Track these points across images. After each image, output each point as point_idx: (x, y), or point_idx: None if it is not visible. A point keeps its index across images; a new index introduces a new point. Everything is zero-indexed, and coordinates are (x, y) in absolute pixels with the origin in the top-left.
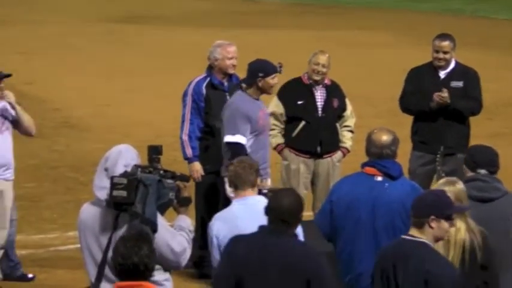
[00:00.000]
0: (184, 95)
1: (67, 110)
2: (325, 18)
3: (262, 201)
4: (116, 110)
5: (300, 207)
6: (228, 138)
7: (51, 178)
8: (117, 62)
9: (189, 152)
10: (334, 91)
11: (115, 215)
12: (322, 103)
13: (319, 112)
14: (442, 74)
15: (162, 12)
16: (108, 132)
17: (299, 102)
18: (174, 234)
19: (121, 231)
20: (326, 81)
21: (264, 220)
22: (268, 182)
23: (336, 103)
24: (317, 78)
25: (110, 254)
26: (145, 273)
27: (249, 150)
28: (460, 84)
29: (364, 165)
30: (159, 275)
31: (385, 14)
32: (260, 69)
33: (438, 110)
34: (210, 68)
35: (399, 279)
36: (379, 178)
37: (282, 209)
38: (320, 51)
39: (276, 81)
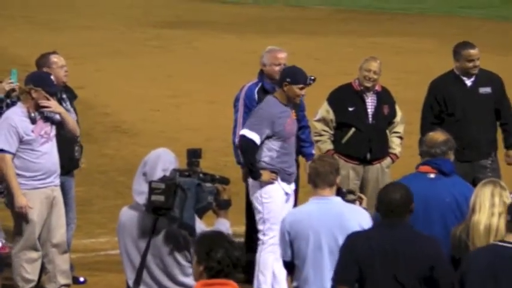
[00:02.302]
0: (236, 100)
1: (117, 115)
2: (371, 25)
3: (340, 202)
4: (165, 115)
5: (410, 198)
6: (245, 131)
7: (101, 182)
8: (165, 67)
9: None
10: (384, 98)
11: (154, 219)
12: (373, 110)
13: (370, 119)
14: (469, 81)
15: (210, 18)
16: (157, 137)
17: (350, 109)
18: None
19: (160, 236)
20: (377, 87)
21: (338, 221)
22: (292, 186)
23: (386, 110)
24: (368, 85)
25: (148, 258)
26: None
27: (274, 155)
28: (488, 90)
29: (418, 165)
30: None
31: (432, 20)
32: (290, 75)
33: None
34: (262, 73)
35: (500, 283)
36: (432, 175)
37: (394, 203)
38: (371, 57)
39: (303, 92)
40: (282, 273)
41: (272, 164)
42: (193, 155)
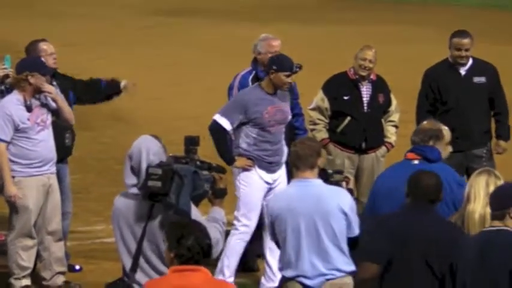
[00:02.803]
0: (230, 88)
1: (114, 103)
2: (368, 13)
3: (320, 184)
4: (163, 103)
5: (441, 187)
6: (216, 116)
7: (97, 170)
8: (163, 55)
9: None
10: (379, 86)
11: (149, 205)
12: (368, 98)
13: (365, 108)
14: (463, 70)
15: (211, 6)
16: (154, 125)
17: (345, 98)
18: (207, 225)
19: (155, 222)
20: (372, 76)
21: (317, 203)
22: (276, 176)
23: (381, 98)
24: (364, 73)
25: (145, 244)
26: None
27: (251, 141)
28: (482, 79)
29: (405, 153)
30: None
31: (430, 9)
32: (276, 63)
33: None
34: (255, 62)
35: (486, 268)
36: (416, 161)
37: (431, 188)
38: (366, 46)
39: (289, 80)
40: (275, 261)
41: (249, 151)
42: (191, 142)
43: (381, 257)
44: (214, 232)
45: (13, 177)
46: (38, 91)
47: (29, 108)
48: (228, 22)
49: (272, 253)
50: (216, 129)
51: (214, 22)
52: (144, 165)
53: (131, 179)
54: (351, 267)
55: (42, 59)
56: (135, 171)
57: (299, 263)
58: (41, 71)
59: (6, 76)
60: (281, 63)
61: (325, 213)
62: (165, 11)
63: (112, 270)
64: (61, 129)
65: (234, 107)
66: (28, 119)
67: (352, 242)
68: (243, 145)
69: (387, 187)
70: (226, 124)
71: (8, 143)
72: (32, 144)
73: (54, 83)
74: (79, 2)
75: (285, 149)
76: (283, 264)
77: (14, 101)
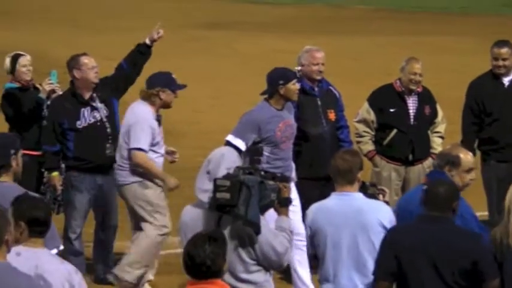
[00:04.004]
0: None
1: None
2: (409, 24)
3: (360, 198)
4: (208, 116)
5: (454, 195)
6: (230, 137)
7: None
8: (205, 68)
9: None
10: (426, 98)
11: (218, 217)
12: (415, 111)
13: (412, 120)
14: (506, 81)
15: (249, 19)
16: (202, 138)
17: (391, 110)
18: (276, 234)
19: (224, 233)
20: (418, 88)
21: (357, 217)
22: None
23: (427, 110)
24: (414, 87)
25: None
26: (209, 273)
27: (264, 160)
28: None
29: None
30: (259, 276)
31: (472, 19)
32: (280, 77)
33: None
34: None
35: None
36: (425, 187)
37: (439, 197)
38: (413, 58)
39: (297, 86)
40: (306, 273)
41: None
42: (255, 153)
43: (389, 273)
44: (283, 241)
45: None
46: (166, 107)
47: (159, 122)
48: (268, 35)
49: (301, 265)
50: None
51: (254, 35)
52: (222, 170)
53: (204, 184)
54: None
55: (84, 73)
56: (211, 176)
57: (337, 277)
58: (172, 88)
59: (53, 91)
60: (285, 75)
61: (364, 227)
62: (204, 25)
63: (163, 283)
64: (102, 139)
65: (246, 127)
66: (158, 133)
67: None
68: (256, 164)
69: (402, 210)
70: (241, 145)
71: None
72: (156, 156)
73: (94, 94)
74: (120, 15)
75: (293, 165)
76: (322, 278)
77: (150, 114)
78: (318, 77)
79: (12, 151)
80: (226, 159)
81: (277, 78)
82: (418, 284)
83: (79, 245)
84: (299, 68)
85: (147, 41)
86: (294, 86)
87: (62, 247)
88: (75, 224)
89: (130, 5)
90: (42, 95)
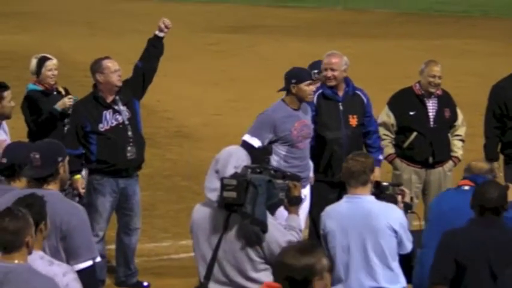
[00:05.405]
0: None
1: (179, 120)
2: (430, 27)
3: (371, 201)
4: (227, 119)
5: (505, 197)
6: (246, 137)
7: (164, 187)
8: (227, 71)
9: None
10: (445, 101)
11: (226, 215)
12: (434, 114)
13: (431, 123)
14: None
15: (271, 22)
16: (220, 141)
17: (411, 113)
18: (284, 233)
19: (232, 232)
20: (438, 91)
21: (366, 220)
22: (306, 191)
23: (447, 113)
24: (433, 90)
25: (220, 253)
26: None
27: (282, 159)
28: None
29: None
30: (267, 274)
31: (494, 23)
32: (293, 76)
33: None
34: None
35: None
36: (467, 187)
37: (492, 201)
38: (432, 61)
39: (312, 88)
40: None
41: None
42: (265, 152)
43: (446, 277)
44: (292, 240)
45: None
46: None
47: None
48: (289, 38)
49: None
50: (247, 150)
51: (277, 38)
52: (230, 169)
53: (213, 183)
54: (397, 285)
55: (107, 77)
56: (220, 174)
57: (347, 280)
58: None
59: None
60: (298, 74)
61: (374, 230)
62: (228, 28)
63: (180, 286)
64: (123, 142)
65: (262, 126)
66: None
67: (405, 258)
68: (273, 163)
69: (437, 212)
70: (257, 144)
71: None
72: None
73: (117, 97)
74: (141, 19)
75: (311, 164)
76: (334, 279)
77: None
78: (331, 83)
79: (60, 158)
80: (234, 158)
81: (290, 77)
82: (476, 285)
83: (102, 248)
84: (316, 71)
85: (157, 33)
86: (308, 87)
87: (99, 259)
88: (98, 227)
89: (149, 10)
90: (58, 108)
